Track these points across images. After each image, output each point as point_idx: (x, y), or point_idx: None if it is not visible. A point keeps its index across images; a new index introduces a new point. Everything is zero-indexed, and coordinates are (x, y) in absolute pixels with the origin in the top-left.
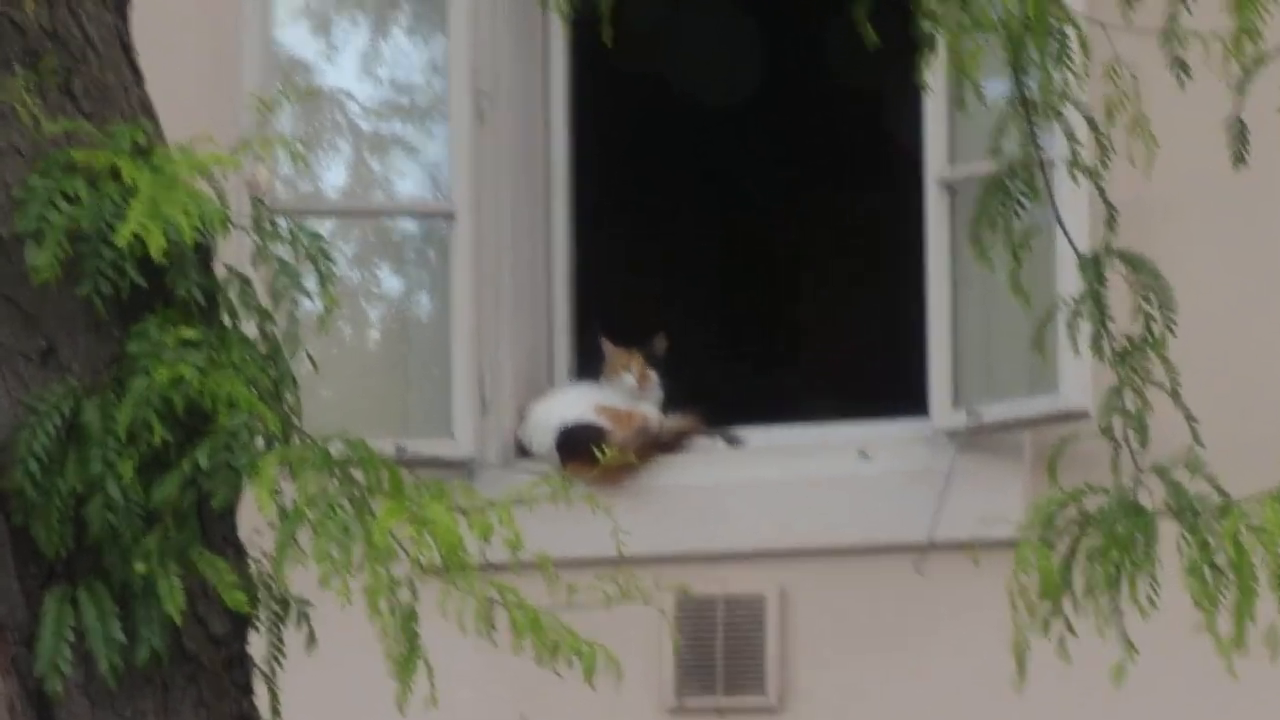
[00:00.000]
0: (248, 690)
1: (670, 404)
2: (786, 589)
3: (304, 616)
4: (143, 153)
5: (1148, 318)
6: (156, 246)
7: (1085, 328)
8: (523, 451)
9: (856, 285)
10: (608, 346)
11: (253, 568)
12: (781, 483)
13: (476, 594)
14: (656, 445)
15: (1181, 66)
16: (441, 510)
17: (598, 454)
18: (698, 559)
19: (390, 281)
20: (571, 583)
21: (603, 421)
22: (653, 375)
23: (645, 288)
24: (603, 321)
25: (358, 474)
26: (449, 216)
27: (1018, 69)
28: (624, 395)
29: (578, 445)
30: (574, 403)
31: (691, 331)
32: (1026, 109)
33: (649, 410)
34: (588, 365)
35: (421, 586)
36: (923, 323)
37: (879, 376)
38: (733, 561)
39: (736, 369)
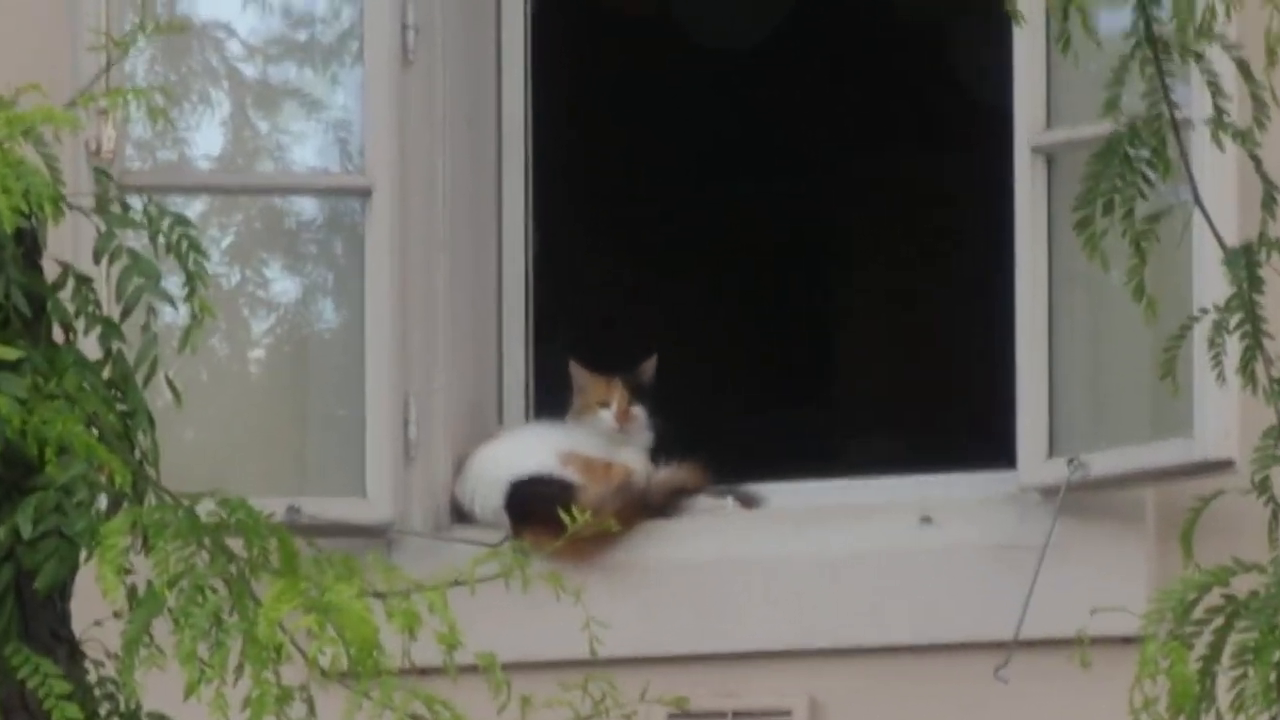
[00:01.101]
0: None
1: (663, 451)
2: (820, 701)
3: None
4: None
5: None
6: None
7: (1232, 347)
8: (461, 515)
9: (914, 287)
10: (578, 372)
11: (91, 672)
12: (813, 559)
13: (397, 708)
14: (644, 506)
15: None
16: (350, 594)
17: (564, 518)
18: (700, 661)
19: (282, 283)
20: (527, 693)
21: (570, 474)
22: (639, 412)
23: (629, 295)
24: (571, 339)
25: (236, 545)
26: (363, 194)
27: None
28: (600, 438)
29: (536, 506)
30: (531, 448)
31: (691, 354)
32: (1154, 49)
33: (633, 459)
34: (550, 398)
35: (323, 697)
36: (1007, 340)
37: (946, 415)
38: (747, 665)
39: (752, 404)
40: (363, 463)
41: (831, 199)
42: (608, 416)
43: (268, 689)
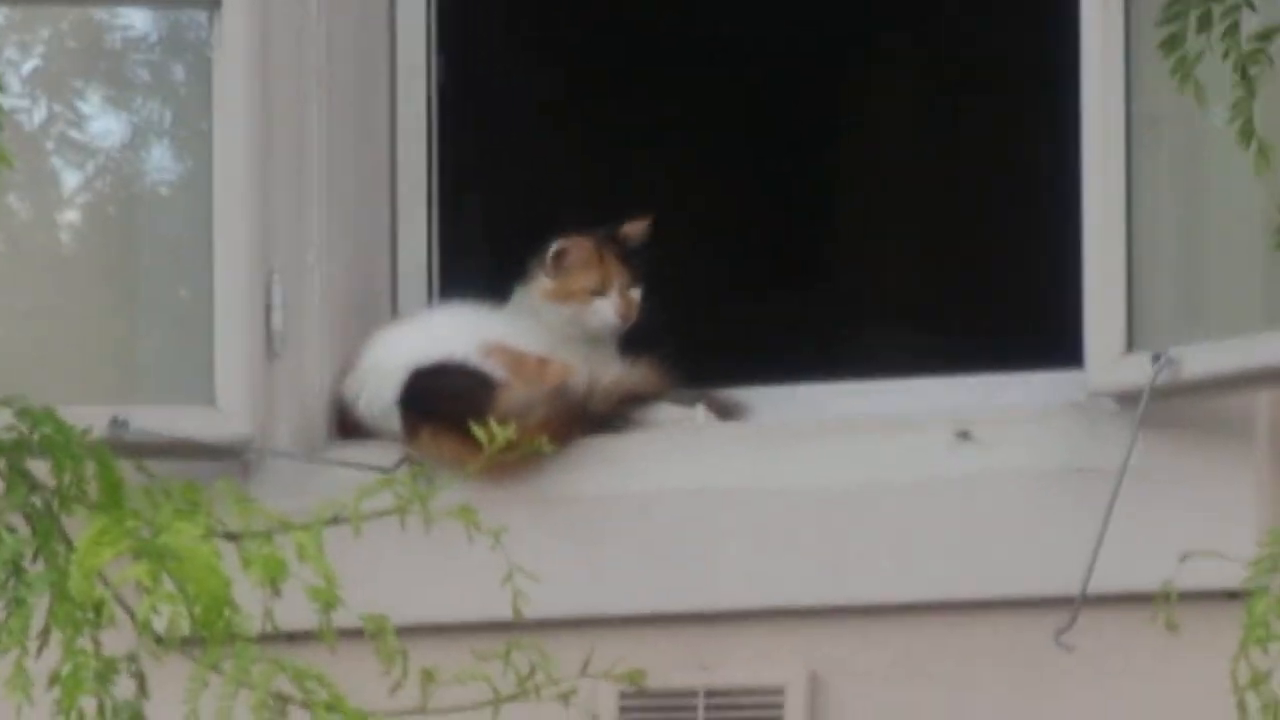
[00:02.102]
0: None
1: (625, 346)
2: (820, 677)
3: None
4: None
5: None
6: None
7: None
8: (346, 428)
9: (945, 137)
10: (565, 242)
11: None
12: (812, 488)
13: (256, 685)
14: (586, 416)
15: None
16: (193, 535)
17: (478, 428)
18: (660, 624)
19: (104, 121)
20: (431, 665)
21: (491, 367)
22: (638, 299)
23: (571, 141)
24: (490, 202)
25: (41, 469)
26: (211, 2)
27: None
28: (564, 332)
29: (441, 404)
30: (445, 332)
31: (655, 221)
32: None
33: (605, 362)
34: (463, 279)
35: (158, 671)
36: (1068, 201)
37: (988, 298)
38: (724, 629)
39: (732, 285)
40: (211, 361)
41: (839, 26)
42: (606, 310)
43: (84, 661)
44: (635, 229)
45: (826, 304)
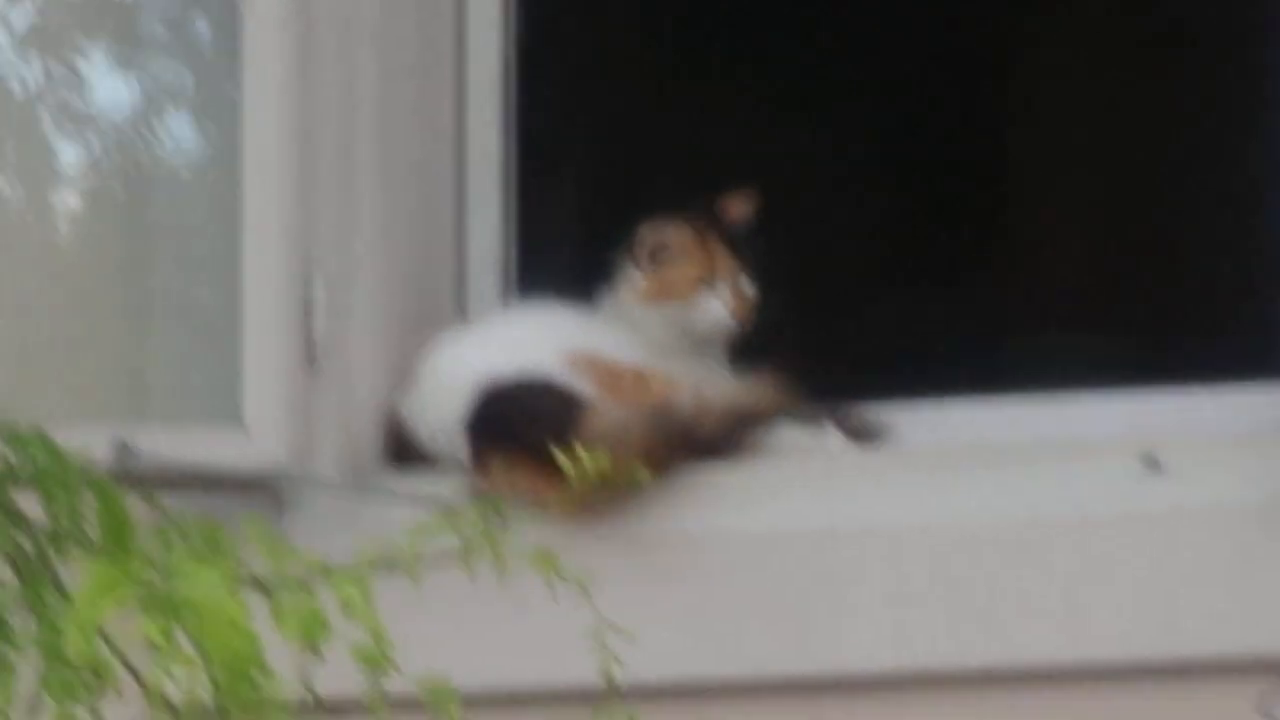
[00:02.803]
0: None
1: (739, 355)
2: None
3: None
4: None
5: None
6: None
7: None
8: (406, 453)
9: (1128, 115)
10: (658, 229)
11: None
12: (966, 527)
13: None
14: (692, 440)
15: None
16: (215, 584)
17: (563, 455)
18: (781, 691)
19: (111, 87)
20: None
21: (578, 383)
22: (752, 291)
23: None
24: (585, 183)
25: (31, 504)
26: None
27: None
28: (664, 339)
29: (517, 428)
30: (523, 340)
31: (781, 207)
32: None
33: (710, 374)
34: (544, 277)
35: None
36: (1272, 189)
37: (1178, 302)
38: (855, 697)
39: (874, 285)
40: (238, 375)
41: None
42: (716, 306)
43: None
44: (738, 205)
45: (986, 305)
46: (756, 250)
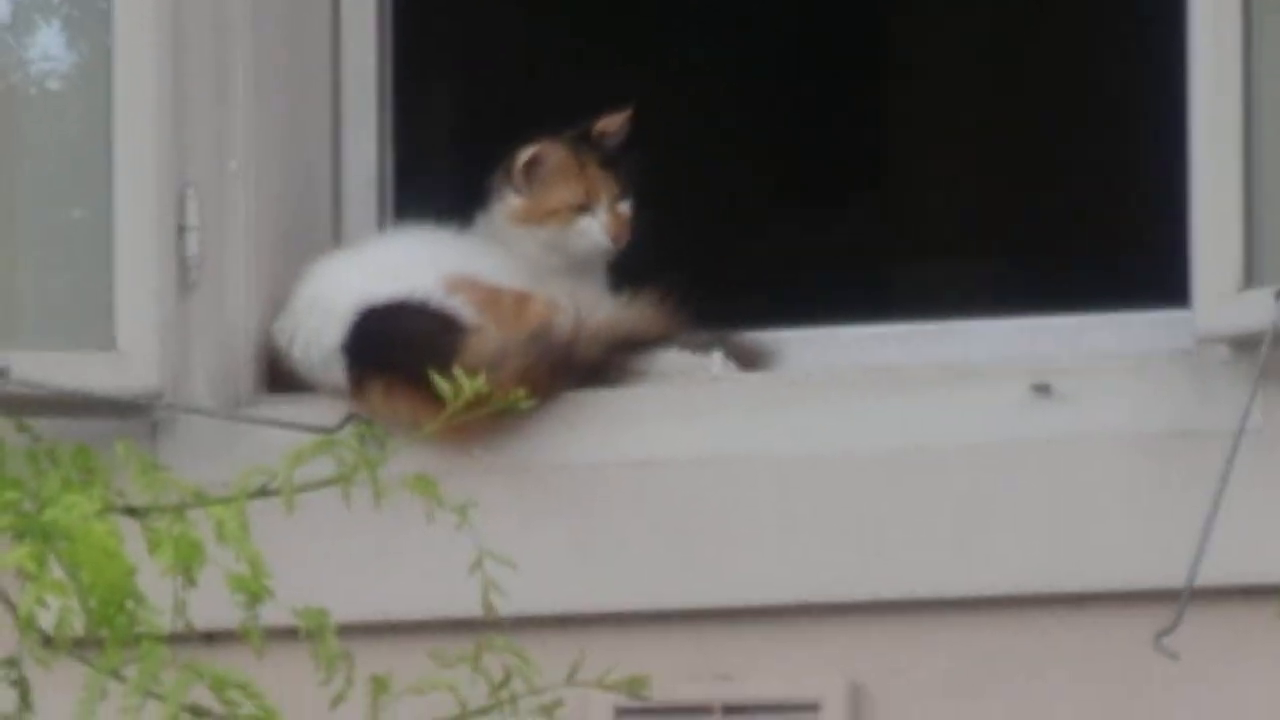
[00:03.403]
0: None
1: (620, 279)
2: (864, 688)
3: None
4: None
5: None
6: None
7: None
8: (280, 378)
9: (1016, 25)
10: (534, 150)
11: None
12: (855, 455)
13: (167, 696)
14: (572, 365)
15: None
16: (88, 511)
17: (441, 379)
18: (667, 623)
19: None
20: (382, 671)
21: (458, 306)
22: (628, 213)
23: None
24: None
25: None
26: None
27: None
28: (541, 261)
29: (396, 352)
30: (402, 263)
31: (662, 125)
32: None
33: (592, 295)
34: (422, 195)
35: (45, 678)
36: (1170, 102)
37: (1070, 223)
38: (747, 629)
39: (757, 204)
40: (110, 295)
41: None
42: (594, 228)
43: None
44: (611, 124)
45: (873, 227)
46: (637, 171)
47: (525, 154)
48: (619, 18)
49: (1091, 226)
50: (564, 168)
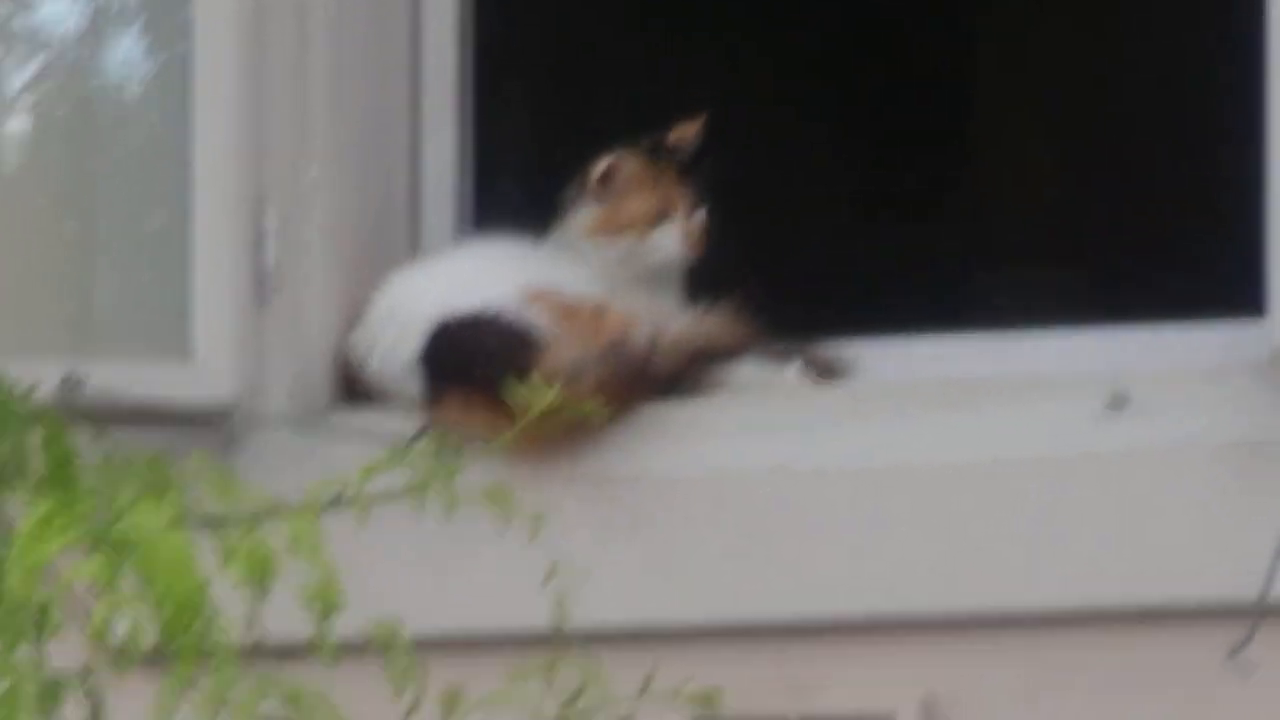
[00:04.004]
0: None
1: (696, 289)
2: (938, 702)
3: None
4: None
5: None
6: None
7: None
8: (355, 389)
9: (1102, 39)
10: (609, 162)
11: None
12: (932, 468)
13: (237, 705)
14: (648, 377)
15: None
16: (161, 522)
17: (518, 391)
18: (742, 636)
19: (56, 6)
20: (454, 685)
21: (534, 319)
22: (702, 223)
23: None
24: (537, 108)
25: None
26: None
27: None
28: (618, 273)
29: (472, 364)
30: (479, 275)
31: (740, 140)
32: None
33: (665, 307)
34: (501, 207)
35: (118, 690)
36: (1247, 121)
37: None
38: (823, 643)
39: (836, 219)
40: (187, 305)
41: None
42: (671, 239)
43: (24, 678)
44: (685, 134)
45: (953, 238)
46: (713, 180)
47: (601, 166)
48: (697, 19)
49: (1170, 238)
50: (639, 179)
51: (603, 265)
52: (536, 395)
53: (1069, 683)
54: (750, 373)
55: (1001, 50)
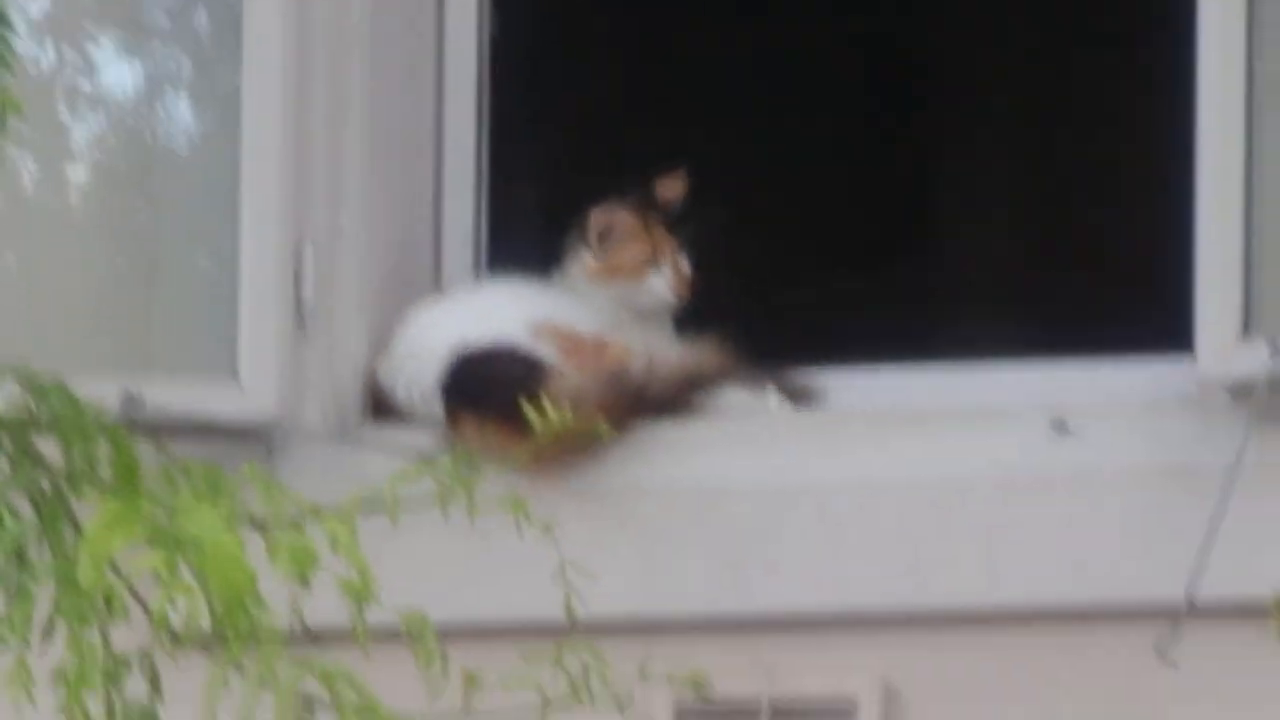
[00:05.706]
0: None
1: (684, 325)
2: (897, 688)
3: None
4: None
5: None
6: None
7: None
8: (384, 408)
9: (1042, 99)
10: (605, 215)
11: None
12: (892, 481)
13: (281, 687)
14: (645, 401)
15: None
16: (215, 522)
17: (529, 413)
18: (723, 627)
19: (118, 69)
20: (474, 668)
21: (542, 350)
22: (688, 269)
23: (635, 103)
24: (550, 162)
25: (48, 448)
26: None
27: None
28: (614, 312)
29: (488, 391)
30: (491, 312)
31: (723, 188)
32: None
33: (662, 343)
34: (514, 248)
35: (173, 670)
36: (1179, 171)
37: (1088, 279)
38: (793, 634)
39: (809, 262)
40: (234, 333)
41: None
42: (661, 284)
43: (91, 657)
44: (671, 188)
45: (912, 278)
46: (696, 229)
47: (598, 219)
48: (678, 69)
49: (1108, 283)
50: (632, 230)
51: (601, 304)
52: (547, 417)
53: (1014, 673)
54: (734, 398)
55: (954, 113)
